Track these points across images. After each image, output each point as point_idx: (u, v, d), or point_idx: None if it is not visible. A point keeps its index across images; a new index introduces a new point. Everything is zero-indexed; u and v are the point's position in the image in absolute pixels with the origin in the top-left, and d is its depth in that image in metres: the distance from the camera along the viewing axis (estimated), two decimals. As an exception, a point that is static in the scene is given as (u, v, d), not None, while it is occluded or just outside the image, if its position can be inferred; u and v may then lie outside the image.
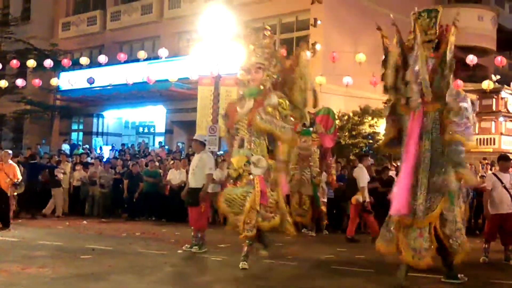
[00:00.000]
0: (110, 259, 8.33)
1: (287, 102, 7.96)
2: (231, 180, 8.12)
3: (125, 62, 20.08)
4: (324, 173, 12.93)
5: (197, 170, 9.56)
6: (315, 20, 19.60)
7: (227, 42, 17.00)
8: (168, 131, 23.72)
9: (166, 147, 21.61)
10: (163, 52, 18.02)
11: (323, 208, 12.55)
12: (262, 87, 8.03)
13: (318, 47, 17.79)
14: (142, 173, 15.29)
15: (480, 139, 23.24)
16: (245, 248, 7.77)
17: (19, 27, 28.05)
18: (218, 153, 15.92)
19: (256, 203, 7.57)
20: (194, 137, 10.47)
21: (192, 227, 9.64)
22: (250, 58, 8.16)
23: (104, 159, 19.05)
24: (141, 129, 27.31)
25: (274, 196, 7.84)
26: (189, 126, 18.77)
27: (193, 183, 9.58)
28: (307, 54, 8.60)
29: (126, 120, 28.06)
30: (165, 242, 10.47)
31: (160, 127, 24.98)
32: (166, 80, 18.99)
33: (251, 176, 7.71)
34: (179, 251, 9.34)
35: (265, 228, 7.81)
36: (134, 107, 25.15)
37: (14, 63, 19.99)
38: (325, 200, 12.85)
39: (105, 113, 26.55)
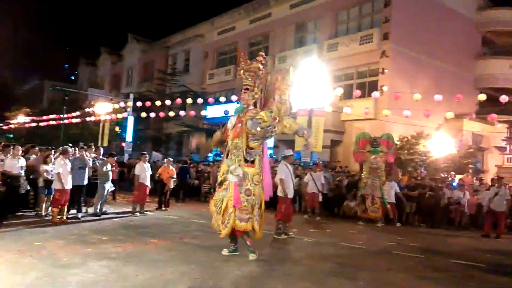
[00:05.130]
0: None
1: (267, 113, 6.26)
2: (217, 184, 6.68)
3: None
4: (392, 182, 12.17)
5: None
6: (383, 69, 18.95)
7: (317, 85, 16.80)
8: (275, 146, 23.72)
9: (274, 156, 21.58)
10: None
11: (389, 207, 11.75)
12: (246, 106, 6.60)
13: (385, 88, 17.17)
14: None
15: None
16: (248, 242, 6.42)
17: (182, 77, 29.61)
18: (310, 163, 15.64)
19: (229, 206, 6.27)
20: (290, 154, 9.37)
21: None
22: (241, 81, 6.77)
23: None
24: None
25: (249, 201, 6.28)
26: (290, 143, 18.62)
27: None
28: (288, 83, 6.69)
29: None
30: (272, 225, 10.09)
31: (270, 143, 25.03)
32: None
33: (227, 182, 6.38)
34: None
35: (240, 228, 6.28)
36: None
37: (178, 100, 20.96)
38: (394, 201, 11.97)
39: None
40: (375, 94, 16.58)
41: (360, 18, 21.20)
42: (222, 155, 6.90)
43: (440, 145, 16.49)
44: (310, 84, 16.41)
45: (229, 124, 6.72)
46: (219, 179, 6.56)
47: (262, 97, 6.75)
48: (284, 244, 8.17)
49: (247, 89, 6.61)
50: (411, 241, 9.31)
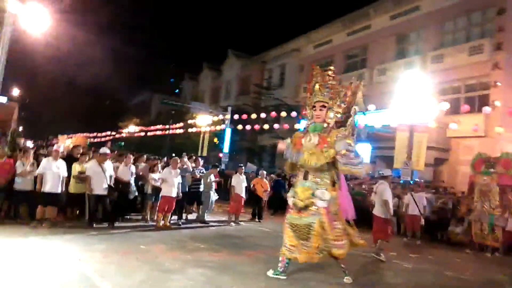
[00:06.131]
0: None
1: (353, 139, 5.96)
2: (296, 209, 6.00)
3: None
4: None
5: None
6: (495, 82, 17.22)
7: (420, 99, 15.79)
8: (372, 162, 22.70)
9: (370, 173, 20.69)
10: (371, 106, 17.16)
11: (500, 235, 10.43)
12: (326, 124, 6.09)
13: (497, 103, 15.54)
14: (352, 193, 14.75)
15: None
16: (342, 265, 6.08)
17: (276, 90, 29.98)
18: (410, 181, 14.70)
19: (324, 231, 5.73)
20: (389, 174, 9.51)
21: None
22: (316, 96, 6.20)
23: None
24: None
25: (339, 225, 5.86)
26: (387, 160, 17.76)
27: None
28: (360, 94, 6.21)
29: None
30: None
31: (366, 160, 24.07)
32: (372, 126, 18.24)
33: (314, 208, 5.80)
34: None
35: (341, 256, 5.87)
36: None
37: (273, 113, 21.28)
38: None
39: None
40: (486, 109, 15.08)
41: (469, 27, 19.59)
42: (297, 175, 6.35)
43: None
44: (412, 97, 15.51)
45: (305, 142, 6.12)
46: (300, 204, 5.93)
47: (344, 118, 6.24)
48: (380, 268, 7.72)
49: (324, 106, 6.14)
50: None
